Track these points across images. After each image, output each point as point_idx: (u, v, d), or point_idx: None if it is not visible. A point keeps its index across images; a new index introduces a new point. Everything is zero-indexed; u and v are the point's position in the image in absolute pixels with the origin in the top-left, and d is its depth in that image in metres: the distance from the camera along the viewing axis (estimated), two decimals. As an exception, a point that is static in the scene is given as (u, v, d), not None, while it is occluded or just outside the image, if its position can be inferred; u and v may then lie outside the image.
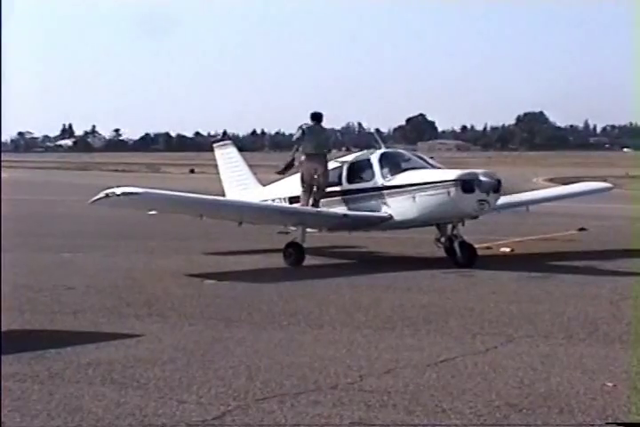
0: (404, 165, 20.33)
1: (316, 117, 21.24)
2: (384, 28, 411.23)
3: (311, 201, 20.52)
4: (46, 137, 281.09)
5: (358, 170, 20.62)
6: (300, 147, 20.92)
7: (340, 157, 21.94)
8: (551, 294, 15.39)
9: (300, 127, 20.94)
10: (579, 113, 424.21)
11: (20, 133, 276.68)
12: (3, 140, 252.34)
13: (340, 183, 20.70)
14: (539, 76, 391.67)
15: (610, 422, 7.98)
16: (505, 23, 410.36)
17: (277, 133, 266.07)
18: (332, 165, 21.02)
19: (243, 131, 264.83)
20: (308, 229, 20.33)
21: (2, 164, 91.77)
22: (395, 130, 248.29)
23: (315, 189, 20.56)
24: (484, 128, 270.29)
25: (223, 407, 8.48)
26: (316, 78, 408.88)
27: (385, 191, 19.86)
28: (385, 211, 19.82)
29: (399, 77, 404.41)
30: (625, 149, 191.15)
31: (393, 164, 20.34)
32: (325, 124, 21.31)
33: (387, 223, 19.98)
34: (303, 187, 20.70)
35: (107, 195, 17.88)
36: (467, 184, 18.83)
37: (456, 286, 16.43)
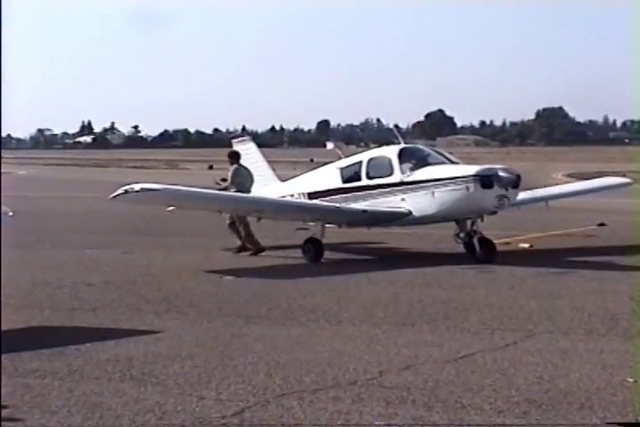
0: (423, 161, 20.31)
1: (237, 157, 22.14)
2: (403, 23, 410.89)
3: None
4: (65, 134, 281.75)
5: (377, 166, 20.60)
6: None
7: (358, 152, 22.15)
8: (570, 290, 15.34)
9: (234, 170, 21.55)
10: (598, 108, 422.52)
11: (40, 130, 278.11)
12: (22, 137, 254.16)
13: (359, 179, 20.71)
14: (558, 71, 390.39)
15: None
16: (524, 18, 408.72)
17: (296, 130, 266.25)
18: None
19: (261, 127, 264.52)
20: (327, 225, 20.36)
21: (21, 161, 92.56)
22: (413, 125, 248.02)
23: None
24: (503, 123, 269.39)
25: (242, 404, 8.48)
26: (334, 74, 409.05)
27: (404, 187, 19.84)
28: (404, 206, 19.79)
29: (418, 73, 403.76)
30: None
31: (412, 159, 20.32)
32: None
33: (406, 219, 19.96)
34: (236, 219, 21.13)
35: (126, 191, 17.96)
36: (486, 180, 18.78)
37: (475, 282, 16.40)
